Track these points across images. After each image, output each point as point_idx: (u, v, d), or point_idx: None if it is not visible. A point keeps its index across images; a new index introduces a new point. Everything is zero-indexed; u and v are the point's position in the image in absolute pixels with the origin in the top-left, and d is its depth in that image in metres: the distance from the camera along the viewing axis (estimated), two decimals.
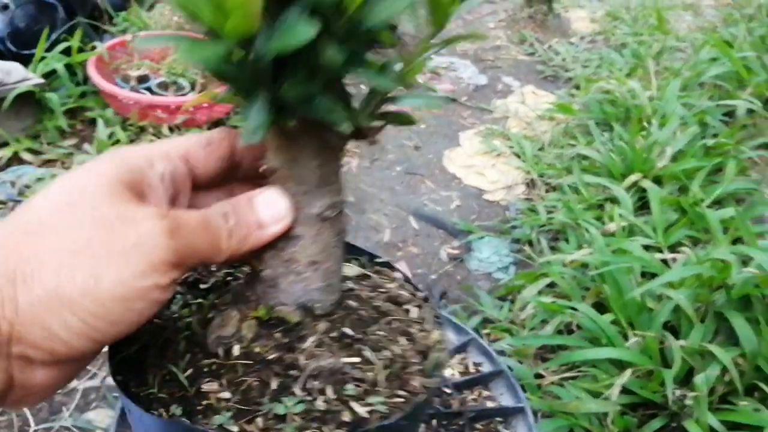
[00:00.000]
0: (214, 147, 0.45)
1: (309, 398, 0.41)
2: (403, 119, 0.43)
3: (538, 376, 1.35)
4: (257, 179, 0.45)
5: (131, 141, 2.07)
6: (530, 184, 2.16)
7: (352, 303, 0.49)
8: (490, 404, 0.83)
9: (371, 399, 0.42)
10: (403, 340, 0.47)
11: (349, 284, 0.52)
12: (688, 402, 1.17)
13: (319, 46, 0.34)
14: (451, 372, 0.87)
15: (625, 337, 1.31)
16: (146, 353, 0.45)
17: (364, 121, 0.41)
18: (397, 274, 0.55)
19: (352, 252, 0.56)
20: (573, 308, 1.37)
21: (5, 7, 2.51)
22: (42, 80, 2.08)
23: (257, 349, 0.44)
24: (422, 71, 0.41)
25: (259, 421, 0.40)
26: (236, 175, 0.47)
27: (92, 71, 2.14)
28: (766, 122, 1.98)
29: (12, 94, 1.96)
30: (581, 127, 2.28)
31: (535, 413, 1.28)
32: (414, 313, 0.50)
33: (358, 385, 0.42)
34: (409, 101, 0.41)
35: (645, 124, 2.01)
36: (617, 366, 1.28)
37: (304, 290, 0.46)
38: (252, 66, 0.34)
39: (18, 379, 0.37)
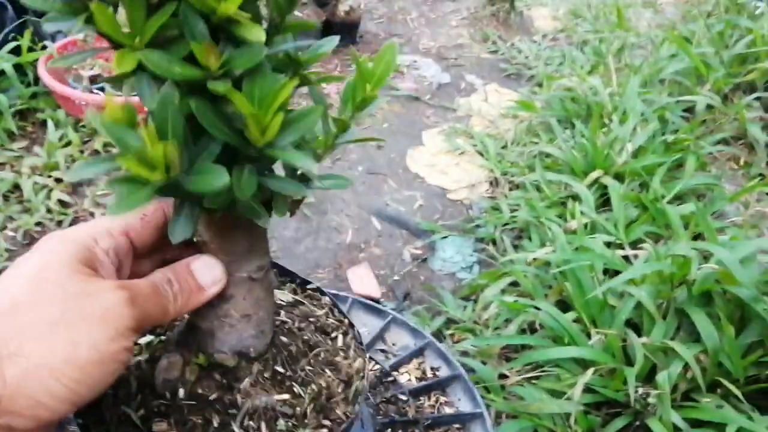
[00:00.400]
0: (148, 218, 0.50)
1: None
2: (339, 183, 0.46)
3: (503, 376, 1.33)
4: (188, 244, 0.50)
5: (84, 142, 2.01)
6: (493, 183, 2.15)
7: (284, 339, 0.54)
8: (447, 410, 0.81)
9: None
10: (328, 371, 0.53)
11: (282, 315, 0.57)
12: (651, 400, 1.16)
13: (232, 179, 0.38)
14: (408, 377, 0.84)
15: (588, 336, 1.29)
16: (103, 394, 0.49)
17: (282, 210, 0.45)
18: (326, 299, 0.61)
19: (285, 275, 0.62)
20: (536, 307, 1.35)
21: None
22: None
23: (200, 390, 0.49)
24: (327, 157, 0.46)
25: None
26: (168, 242, 0.51)
27: (43, 71, 2.07)
28: (724, 117, 1.99)
29: None
30: (544, 125, 2.27)
31: (499, 414, 1.26)
32: (340, 340, 0.57)
33: (288, 420, 0.48)
34: (321, 185, 0.45)
35: (606, 120, 2.01)
36: (580, 365, 1.26)
37: (239, 339, 0.51)
38: (175, 193, 0.39)
39: None
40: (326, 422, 0.49)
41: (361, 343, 0.56)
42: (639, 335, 1.25)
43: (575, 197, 1.75)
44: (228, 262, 0.48)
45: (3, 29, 2.22)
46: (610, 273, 1.41)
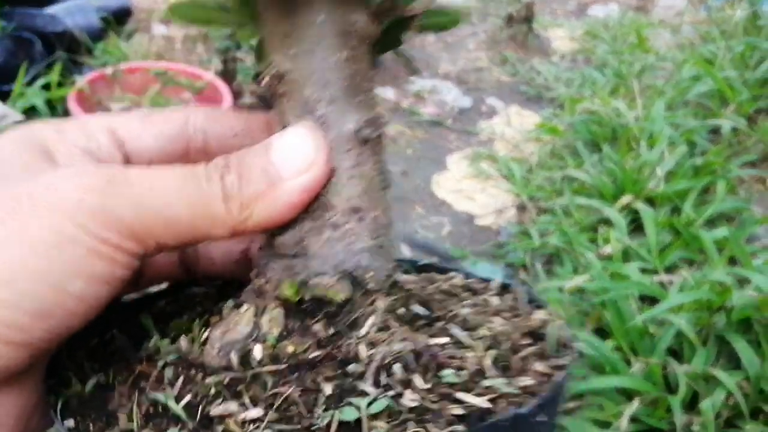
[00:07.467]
0: (153, 119, 0.35)
1: (390, 393, 0.27)
2: (442, 22, 0.35)
3: None
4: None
5: None
6: (521, 207, 2.16)
7: (408, 284, 0.34)
8: None
9: (487, 383, 0.28)
10: (498, 321, 0.32)
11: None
12: (695, 428, 1.16)
13: None
14: None
15: (628, 364, 1.30)
16: (108, 391, 0.31)
17: None
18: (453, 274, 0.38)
19: None
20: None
21: None
22: (22, 116, 2.05)
23: (290, 348, 0.30)
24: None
25: None
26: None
27: (73, 106, 2.10)
28: (750, 140, 2.00)
29: None
30: (569, 148, 2.28)
31: None
32: (495, 301, 0.34)
33: (458, 372, 0.28)
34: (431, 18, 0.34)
35: (633, 144, 2.02)
36: (622, 393, 1.27)
37: (347, 251, 0.32)
38: None
39: None
40: (522, 379, 0.28)
41: (533, 299, 0.35)
42: (680, 362, 1.25)
43: (606, 222, 1.76)
44: (321, 104, 0.31)
45: (33, 65, 2.27)
46: (648, 300, 1.42)
